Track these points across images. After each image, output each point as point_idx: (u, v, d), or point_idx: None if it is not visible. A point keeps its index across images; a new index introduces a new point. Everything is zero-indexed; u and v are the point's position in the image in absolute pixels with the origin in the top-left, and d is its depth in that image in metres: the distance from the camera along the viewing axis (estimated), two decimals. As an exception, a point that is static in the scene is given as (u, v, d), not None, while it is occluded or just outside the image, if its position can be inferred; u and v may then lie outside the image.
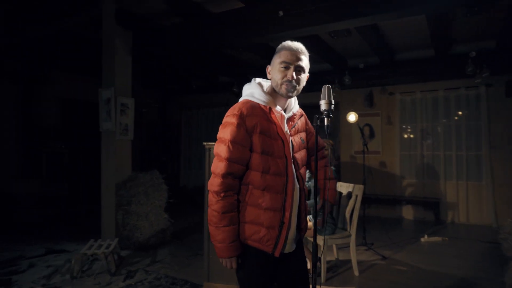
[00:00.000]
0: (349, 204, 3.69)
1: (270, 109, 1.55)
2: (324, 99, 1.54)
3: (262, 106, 1.55)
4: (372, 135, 7.14)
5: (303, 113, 1.77)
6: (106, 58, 4.80)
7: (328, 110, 1.54)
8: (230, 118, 1.50)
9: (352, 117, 4.77)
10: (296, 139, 1.62)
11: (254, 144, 1.50)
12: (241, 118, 1.48)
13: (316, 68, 7.24)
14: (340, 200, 3.94)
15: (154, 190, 4.81)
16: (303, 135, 1.70)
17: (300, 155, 1.64)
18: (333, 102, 1.55)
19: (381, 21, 4.29)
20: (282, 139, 1.53)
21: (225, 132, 1.50)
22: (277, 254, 1.51)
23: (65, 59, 6.43)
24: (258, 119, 1.50)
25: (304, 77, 1.60)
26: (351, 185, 3.81)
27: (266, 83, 1.65)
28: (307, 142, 1.74)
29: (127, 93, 4.92)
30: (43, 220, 5.91)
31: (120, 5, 4.58)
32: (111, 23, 4.68)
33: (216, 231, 1.49)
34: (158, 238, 4.73)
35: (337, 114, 7.42)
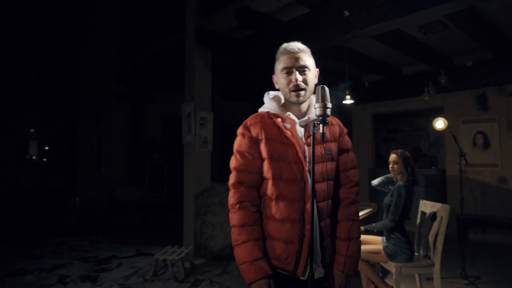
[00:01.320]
0: (433, 227, 3.10)
1: (274, 114, 1.48)
2: (318, 102, 1.28)
3: (269, 114, 1.49)
4: (486, 144, 5.97)
5: (336, 122, 1.58)
6: (187, 75, 5.15)
7: (323, 115, 1.27)
8: (238, 130, 1.51)
9: (439, 124, 4.05)
10: (317, 149, 1.42)
11: (262, 151, 1.44)
12: (245, 128, 1.48)
13: (411, 70, 6.46)
14: (422, 221, 3.34)
15: (230, 201, 4.89)
16: (332, 145, 1.50)
17: (322, 167, 1.42)
18: (329, 105, 1.28)
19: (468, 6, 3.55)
20: (293, 143, 1.41)
21: (234, 144, 1.51)
22: (299, 273, 1.36)
23: (162, 78, 7.16)
24: (263, 126, 1.46)
25: (312, 74, 1.47)
26: (436, 204, 3.20)
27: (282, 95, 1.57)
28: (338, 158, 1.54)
29: (207, 107, 5.17)
30: (142, 224, 6.60)
31: (199, 25, 4.88)
32: (192, 42, 5.02)
33: (237, 250, 1.40)
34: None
35: (440, 120, 6.45)
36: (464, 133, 6.19)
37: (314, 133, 1.30)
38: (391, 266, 3.01)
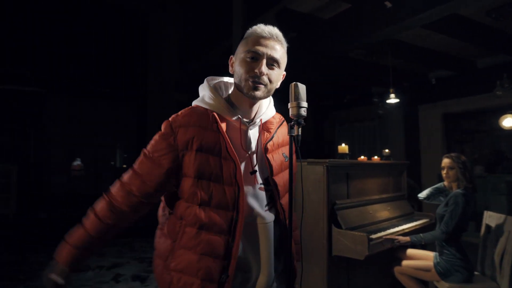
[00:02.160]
0: (499, 243, 2.63)
1: (217, 115, 1.15)
2: (291, 101, 1.13)
3: (209, 112, 1.17)
4: None
5: (283, 119, 1.34)
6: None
7: (297, 115, 1.12)
8: (162, 126, 1.19)
9: (508, 121, 3.44)
10: (276, 157, 1.23)
11: (185, 165, 1.13)
12: (171, 129, 1.14)
13: (486, 62, 5.69)
14: (486, 235, 2.86)
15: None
16: (285, 150, 1.30)
17: (282, 178, 1.24)
18: (303, 104, 1.13)
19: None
20: (233, 159, 1.13)
21: (151, 141, 1.20)
22: None
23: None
24: (197, 131, 1.13)
25: (279, 74, 1.19)
26: (503, 216, 2.71)
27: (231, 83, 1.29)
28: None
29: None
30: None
31: (244, 31, 4.91)
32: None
33: (75, 228, 1.21)
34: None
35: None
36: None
37: (292, 136, 1.13)
38: (444, 287, 2.62)
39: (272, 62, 1.16)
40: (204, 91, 1.23)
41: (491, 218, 2.86)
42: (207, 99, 1.20)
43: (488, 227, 2.86)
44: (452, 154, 2.78)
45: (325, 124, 9.41)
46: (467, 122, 6.48)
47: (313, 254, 2.78)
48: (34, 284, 3.88)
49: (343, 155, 3.01)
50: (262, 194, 1.19)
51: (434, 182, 6.72)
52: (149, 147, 1.19)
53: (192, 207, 1.13)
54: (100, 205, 1.20)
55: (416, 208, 5.90)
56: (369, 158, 3.54)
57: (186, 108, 1.22)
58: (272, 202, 1.22)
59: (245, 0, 4.50)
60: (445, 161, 2.79)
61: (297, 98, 1.13)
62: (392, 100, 4.57)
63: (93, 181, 9.42)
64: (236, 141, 1.16)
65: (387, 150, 3.65)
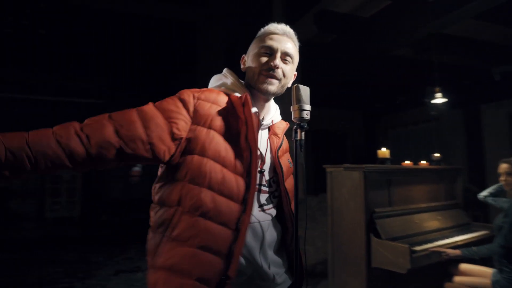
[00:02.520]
0: None
1: (246, 100, 1.06)
2: (293, 104, 1.08)
3: (234, 98, 1.09)
4: None
5: (288, 125, 1.26)
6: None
7: (300, 118, 1.06)
8: (181, 92, 1.07)
9: None
10: (284, 162, 1.18)
11: (195, 141, 1.00)
12: (193, 97, 1.05)
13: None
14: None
15: (322, 214, 4.65)
16: (289, 156, 1.25)
17: (290, 184, 1.19)
18: (306, 107, 1.06)
19: None
20: (251, 148, 1.03)
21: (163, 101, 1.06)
22: None
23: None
24: (218, 111, 1.05)
25: (292, 69, 1.16)
26: None
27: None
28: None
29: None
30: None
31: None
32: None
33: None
34: (325, 266, 4.49)
35: None
36: None
37: (297, 141, 1.08)
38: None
39: (285, 57, 1.13)
40: (226, 79, 1.17)
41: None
42: (231, 86, 1.14)
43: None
44: (511, 159, 2.47)
45: (377, 128, 8.98)
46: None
47: (351, 265, 2.63)
48: (90, 282, 4.16)
49: (383, 160, 2.83)
50: (264, 196, 1.13)
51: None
52: (158, 104, 1.04)
53: (196, 190, 0.98)
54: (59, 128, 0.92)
55: (482, 219, 5.39)
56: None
57: (207, 88, 1.15)
58: (272, 205, 1.15)
59: (285, 3, 4.48)
60: (503, 166, 2.49)
61: (299, 100, 1.07)
62: (438, 100, 4.20)
63: (148, 186, 9.93)
64: (254, 131, 1.07)
65: (437, 154, 3.36)
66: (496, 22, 3.61)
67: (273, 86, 1.11)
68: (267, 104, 1.18)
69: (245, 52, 1.22)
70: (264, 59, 1.11)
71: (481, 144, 6.46)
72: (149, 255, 1.02)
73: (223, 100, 1.09)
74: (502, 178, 2.50)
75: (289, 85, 1.18)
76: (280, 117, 1.26)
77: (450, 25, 3.55)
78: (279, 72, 1.10)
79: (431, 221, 2.90)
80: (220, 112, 1.05)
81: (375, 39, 3.83)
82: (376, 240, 2.47)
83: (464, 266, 2.66)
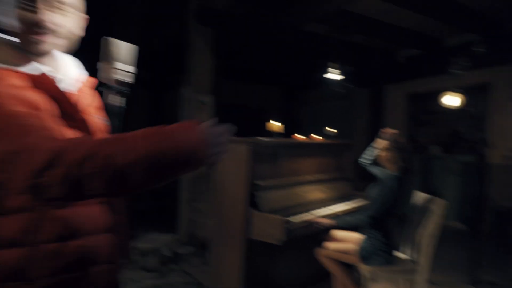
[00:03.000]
0: (421, 223, 2.52)
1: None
2: (102, 61, 0.91)
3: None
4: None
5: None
6: (188, 57, 4.91)
7: (107, 77, 0.90)
8: None
9: (448, 99, 3.28)
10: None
11: None
12: None
13: (453, 41, 5.53)
14: (411, 217, 2.75)
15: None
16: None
17: None
18: (122, 67, 0.90)
19: None
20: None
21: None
22: None
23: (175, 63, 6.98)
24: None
25: (72, 18, 0.93)
26: (429, 197, 2.60)
27: None
28: None
29: (206, 89, 4.90)
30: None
31: (199, 3, 4.60)
32: (192, 22, 4.75)
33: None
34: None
35: (485, 99, 5.45)
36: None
37: (108, 104, 0.92)
38: (365, 270, 2.51)
39: (57, 3, 0.89)
40: None
41: (418, 198, 2.74)
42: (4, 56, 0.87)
43: (414, 207, 2.74)
44: (389, 133, 2.60)
45: (294, 105, 9.19)
46: (430, 102, 6.36)
47: (231, 237, 2.62)
48: None
49: (273, 134, 2.82)
50: None
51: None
52: None
53: None
54: None
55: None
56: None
57: None
58: None
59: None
60: (381, 142, 2.62)
61: (109, 57, 0.91)
62: (332, 75, 4.33)
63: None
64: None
65: (331, 129, 3.47)
66: (400, 5, 3.75)
67: (45, 45, 0.89)
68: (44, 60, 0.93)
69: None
70: (24, 13, 0.85)
71: (382, 122, 6.96)
72: None
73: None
74: (379, 153, 2.62)
75: (80, 34, 0.96)
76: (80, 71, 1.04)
77: (356, 1, 3.56)
78: (49, 25, 0.87)
79: (316, 193, 3.01)
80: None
81: (285, 12, 3.75)
82: (256, 212, 2.47)
83: (335, 233, 2.81)
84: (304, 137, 3.18)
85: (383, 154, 2.57)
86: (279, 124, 2.86)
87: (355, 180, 3.67)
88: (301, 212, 2.66)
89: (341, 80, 6.60)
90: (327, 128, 3.45)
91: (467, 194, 5.24)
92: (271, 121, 2.88)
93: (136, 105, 7.49)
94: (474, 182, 5.20)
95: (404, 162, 2.51)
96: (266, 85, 8.70)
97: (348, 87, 7.22)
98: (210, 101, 4.91)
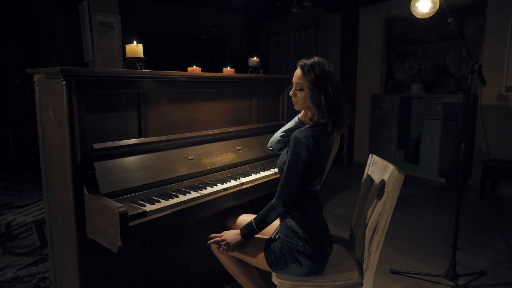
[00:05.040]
0: (374, 211, 1.57)
1: None
2: None
3: None
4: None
5: None
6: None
7: None
8: None
9: (421, 5, 2.18)
10: None
11: None
12: None
13: None
14: (365, 194, 1.81)
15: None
16: None
17: None
18: None
19: None
20: None
21: None
22: None
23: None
24: None
25: None
26: (388, 165, 1.58)
27: None
28: None
29: (111, 7, 3.61)
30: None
31: None
32: None
33: None
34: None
35: (480, 22, 4.30)
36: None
37: None
38: (275, 280, 1.59)
39: None
40: None
41: (375, 167, 1.75)
42: None
43: (370, 179, 1.77)
44: (307, 63, 1.50)
45: (259, 35, 7.84)
46: (413, 29, 5.17)
47: (64, 231, 1.65)
48: None
49: (130, 64, 1.73)
50: None
51: (367, 105, 5.63)
52: None
53: None
54: None
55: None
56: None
57: None
58: None
59: None
60: (296, 74, 1.54)
61: None
62: None
63: None
64: None
65: (255, 58, 2.36)
66: None
67: None
68: None
69: None
70: None
71: (355, 54, 5.80)
72: None
73: None
74: (291, 93, 1.57)
75: None
76: None
77: None
78: None
79: (214, 157, 1.99)
80: None
81: None
82: (90, 196, 1.45)
83: (242, 218, 1.87)
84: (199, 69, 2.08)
85: (297, 94, 1.52)
86: (138, 44, 1.75)
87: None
88: (176, 192, 1.67)
89: (310, 3, 5.29)
90: (252, 58, 2.33)
91: (451, 143, 4.34)
92: (133, 43, 1.76)
93: None
94: (458, 127, 4.27)
95: (326, 110, 1.46)
96: (228, 11, 7.23)
97: (319, 12, 5.96)
98: (117, 23, 3.65)
